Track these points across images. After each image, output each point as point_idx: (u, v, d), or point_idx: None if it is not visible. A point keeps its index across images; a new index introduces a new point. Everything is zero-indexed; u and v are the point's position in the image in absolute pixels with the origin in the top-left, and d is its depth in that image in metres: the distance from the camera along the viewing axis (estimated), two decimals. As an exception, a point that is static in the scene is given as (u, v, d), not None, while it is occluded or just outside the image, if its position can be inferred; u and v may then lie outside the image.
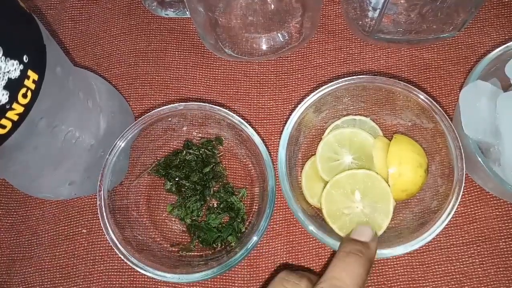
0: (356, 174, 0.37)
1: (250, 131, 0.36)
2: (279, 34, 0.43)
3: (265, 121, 0.44)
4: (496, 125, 0.33)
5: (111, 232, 0.33)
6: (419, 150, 0.37)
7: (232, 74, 0.45)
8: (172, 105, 0.37)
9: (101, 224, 0.34)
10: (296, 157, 0.39)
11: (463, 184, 0.34)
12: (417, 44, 0.44)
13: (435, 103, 0.35)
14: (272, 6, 0.40)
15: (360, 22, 0.43)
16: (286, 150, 0.35)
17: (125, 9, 0.48)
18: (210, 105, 0.36)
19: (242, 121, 0.36)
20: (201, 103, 0.37)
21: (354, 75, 0.44)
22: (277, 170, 0.36)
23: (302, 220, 0.33)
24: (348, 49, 0.45)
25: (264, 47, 0.44)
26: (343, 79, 0.36)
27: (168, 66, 0.46)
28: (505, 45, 0.36)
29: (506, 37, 0.44)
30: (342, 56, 0.45)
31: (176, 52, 0.46)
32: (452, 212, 0.33)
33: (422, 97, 0.35)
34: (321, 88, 0.36)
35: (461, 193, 0.33)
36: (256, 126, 0.43)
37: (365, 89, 0.37)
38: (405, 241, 0.33)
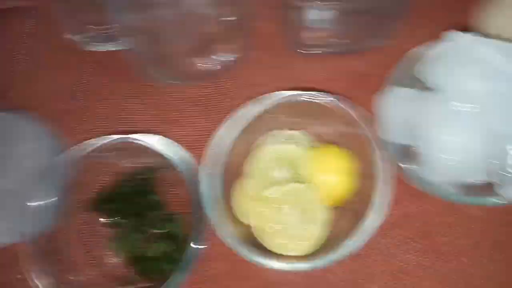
0: (287, 188, 0.37)
1: (173, 159, 0.36)
2: (214, 57, 0.43)
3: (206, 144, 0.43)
4: (414, 127, 0.34)
5: (36, 281, 0.33)
6: (346, 157, 0.37)
7: (171, 100, 0.45)
8: (97, 138, 0.37)
9: (25, 273, 0.33)
10: (224, 178, 0.39)
11: (389, 185, 0.35)
12: (351, 54, 0.44)
13: (356, 110, 0.36)
14: (203, 31, 0.40)
15: (292, 39, 0.43)
16: (210, 177, 0.35)
17: (59, 43, 0.47)
18: (135, 136, 0.36)
19: (163, 150, 0.36)
20: (127, 136, 0.36)
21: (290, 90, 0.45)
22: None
23: (231, 244, 0.33)
24: (286, 64, 0.46)
25: (201, 71, 0.44)
26: (263, 99, 0.36)
27: (105, 97, 0.45)
28: (417, 48, 0.36)
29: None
30: (280, 72, 0.45)
31: (113, 83, 0.46)
32: (380, 214, 0.34)
33: (343, 106, 0.36)
34: (236, 114, 0.36)
35: (388, 193, 0.34)
36: (197, 150, 0.43)
37: (289, 104, 0.37)
38: (340, 247, 0.34)
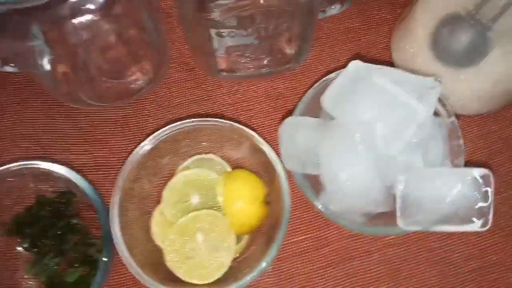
0: (199, 215, 0.37)
1: (83, 185, 0.36)
2: (132, 77, 0.44)
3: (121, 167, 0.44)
4: (317, 157, 0.34)
5: None
6: (255, 183, 0.38)
7: (93, 121, 0.45)
8: (17, 162, 0.37)
9: None
10: (145, 207, 0.39)
11: (289, 213, 0.35)
12: (267, 77, 0.45)
13: (258, 137, 0.36)
14: (117, 53, 0.41)
15: (209, 63, 0.43)
16: (119, 210, 0.35)
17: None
18: (43, 163, 0.37)
19: (73, 176, 0.37)
20: (37, 162, 0.37)
21: (210, 113, 0.46)
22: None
23: (136, 274, 0.34)
24: (206, 85, 0.46)
25: (119, 91, 0.44)
26: (166, 128, 0.37)
27: (29, 118, 0.45)
28: (324, 78, 0.37)
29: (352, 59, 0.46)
30: (201, 93, 0.46)
31: (37, 104, 0.46)
32: (280, 238, 0.35)
33: (251, 133, 0.37)
34: (144, 142, 0.36)
35: (286, 221, 0.35)
36: (113, 172, 0.43)
37: (199, 130, 0.38)
38: (248, 274, 0.34)
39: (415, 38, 0.38)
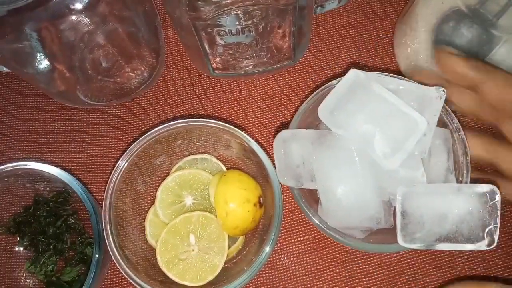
0: (191, 216, 0.37)
1: (75, 187, 0.36)
2: (128, 76, 0.43)
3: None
4: (312, 170, 0.33)
5: None
6: (248, 184, 0.37)
7: (90, 120, 0.45)
8: (6, 165, 0.37)
9: None
10: (139, 207, 0.39)
11: (280, 213, 0.34)
12: (264, 75, 0.44)
13: (247, 137, 0.35)
14: (112, 52, 0.41)
15: (200, 62, 0.43)
16: (111, 211, 0.35)
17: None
18: (35, 164, 0.37)
19: (64, 177, 0.36)
20: (28, 163, 0.37)
21: (206, 111, 0.45)
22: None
23: (126, 274, 0.33)
24: (202, 83, 0.46)
25: (115, 90, 0.44)
26: (157, 128, 0.36)
27: (27, 118, 0.46)
28: (322, 87, 0.35)
29: (353, 58, 0.45)
30: (197, 91, 0.45)
31: (35, 103, 0.46)
32: (272, 239, 0.34)
33: (236, 132, 0.36)
34: (136, 142, 0.36)
35: (278, 222, 0.34)
36: (109, 171, 0.43)
37: (190, 130, 0.37)
38: (240, 275, 0.34)
39: (416, 34, 0.36)
